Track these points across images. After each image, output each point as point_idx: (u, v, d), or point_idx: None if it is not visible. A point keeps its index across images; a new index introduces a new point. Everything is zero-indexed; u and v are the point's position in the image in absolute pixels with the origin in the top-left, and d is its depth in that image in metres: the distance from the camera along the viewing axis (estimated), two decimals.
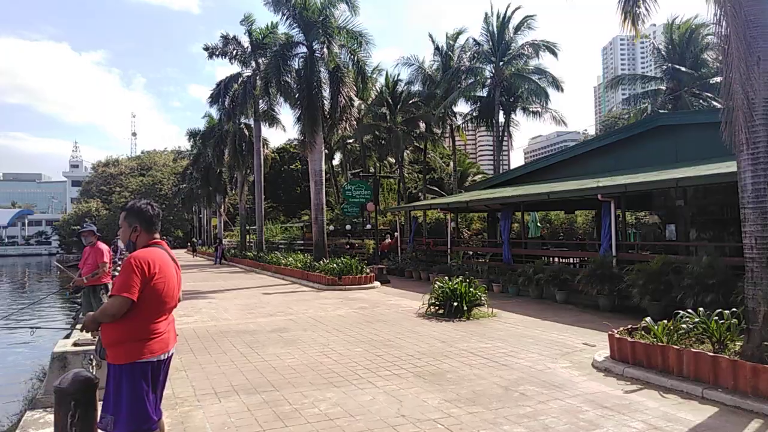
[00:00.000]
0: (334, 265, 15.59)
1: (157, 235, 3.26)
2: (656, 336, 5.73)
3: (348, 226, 29.03)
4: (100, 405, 3.00)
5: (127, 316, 2.92)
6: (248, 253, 27.83)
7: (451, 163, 31.89)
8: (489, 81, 26.85)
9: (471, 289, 9.76)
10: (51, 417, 4.63)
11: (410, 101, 28.49)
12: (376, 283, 15.34)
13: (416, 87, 29.59)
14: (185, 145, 56.85)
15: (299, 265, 18.23)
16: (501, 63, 26.11)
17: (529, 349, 6.96)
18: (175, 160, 68.67)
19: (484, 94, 27.70)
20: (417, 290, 13.60)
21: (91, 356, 4.71)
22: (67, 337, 6.88)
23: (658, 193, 14.74)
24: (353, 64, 19.99)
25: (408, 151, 31.24)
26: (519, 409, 4.65)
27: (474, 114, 29.06)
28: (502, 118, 27.57)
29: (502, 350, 6.94)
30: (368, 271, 15.63)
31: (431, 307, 9.90)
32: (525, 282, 12.53)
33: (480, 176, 41.01)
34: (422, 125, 29.41)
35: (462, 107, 29.91)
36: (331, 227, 28.09)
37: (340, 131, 28.70)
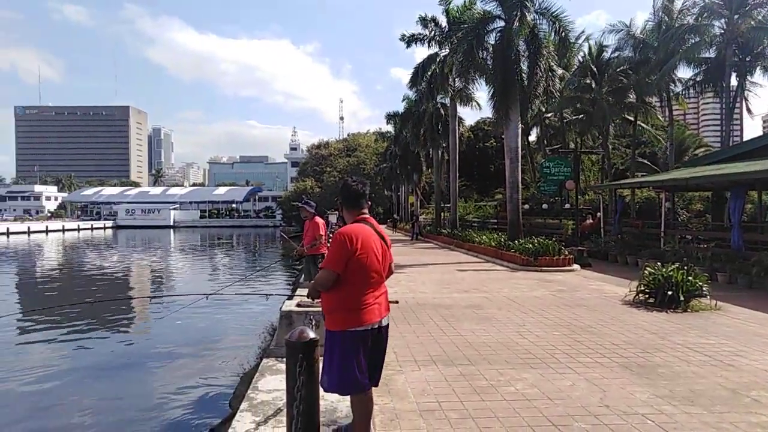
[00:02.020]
0: (530, 245, 15.15)
1: (365, 212, 3.48)
2: None
3: (544, 205, 27.91)
4: (321, 360, 3.39)
5: (336, 288, 3.21)
6: (442, 230, 28.55)
7: (667, 136, 28.37)
8: (718, 39, 23.07)
9: (689, 278, 8.67)
10: (281, 365, 5.40)
11: (618, 69, 25.96)
12: (576, 266, 14.53)
13: (625, 53, 26.82)
14: (385, 126, 60.21)
15: (493, 243, 18.13)
16: (736, 16, 22.21)
17: (764, 350, 5.97)
18: (376, 141, 73.22)
19: (712, 55, 23.90)
20: (622, 276, 12.59)
21: (311, 317, 5.35)
22: (290, 298, 7.87)
23: None
24: (554, 32, 18.89)
25: (614, 124, 28.62)
26: (750, 417, 4.04)
27: (697, 79, 25.28)
28: (734, 82, 23.55)
29: (728, 348, 6.06)
30: (566, 253, 14.87)
31: (640, 294, 9.06)
32: (761, 273, 10.71)
33: (702, 150, 35.88)
34: (632, 95, 26.65)
35: (682, 72, 26.28)
36: (527, 206, 27.30)
37: (537, 106, 27.57)
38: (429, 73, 28.44)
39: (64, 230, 72.38)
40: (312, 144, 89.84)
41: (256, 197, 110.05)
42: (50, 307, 14.28)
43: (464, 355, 5.82)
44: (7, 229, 65.03)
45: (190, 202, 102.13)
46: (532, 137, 38.48)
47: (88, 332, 12.58)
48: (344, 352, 3.18)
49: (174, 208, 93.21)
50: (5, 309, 16.50)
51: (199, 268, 30.31)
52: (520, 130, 19.88)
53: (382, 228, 3.52)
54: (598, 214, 21.54)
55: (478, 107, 31.21)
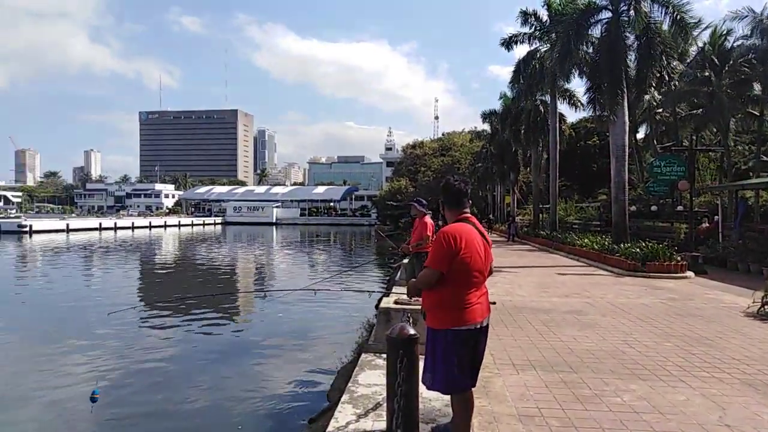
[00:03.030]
0: (637, 249, 14.27)
1: (467, 211, 3.47)
2: None
3: (654, 207, 26.13)
4: (421, 358, 3.44)
5: (439, 286, 3.22)
6: (541, 232, 27.63)
7: None
8: None
9: None
10: (379, 361, 5.53)
11: (741, 59, 23.63)
12: (689, 273, 13.46)
13: (751, 41, 24.31)
14: (481, 125, 59.29)
15: (596, 247, 17.28)
16: None
17: None
18: (471, 141, 72.34)
19: None
20: (744, 285, 11.50)
21: (408, 314, 5.42)
22: (386, 295, 8.01)
23: None
24: (671, 19, 17.58)
25: (735, 119, 26.09)
26: None
27: None
28: None
29: None
30: (679, 258, 13.83)
31: (765, 306, 8.23)
32: None
33: None
34: (757, 87, 24.14)
35: None
36: (633, 208, 25.68)
37: (647, 101, 25.84)
38: (530, 69, 27.65)
39: (179, 225, 78.70)
40: (407, 144, 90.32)
41: (353, 196, 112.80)
42: (176, 297, 15.71)
43: (565, 362, 5.63)
44: (132, 223, 71.97)
45: (291, 201, 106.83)
46: (640, 134, 36.12)
47: (200, 321, 13.60)
48: (447, 351, 3.20)
49: (276, 206, 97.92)
50: (133, 297, 18.28)
51: (299, 263, 31.69)
52: (627, 127, 18.76)
53: (483, 228, 3.49)
54: (716, 217, 19.80)
55: (580, 105, 29.87)
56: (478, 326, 3.26)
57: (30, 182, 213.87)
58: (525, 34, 27.33)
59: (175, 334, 12.42)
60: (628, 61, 17.93)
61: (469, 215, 3.42)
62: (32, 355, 10.71)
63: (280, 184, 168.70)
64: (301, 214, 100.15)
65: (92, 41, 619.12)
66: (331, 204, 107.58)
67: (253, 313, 15.98)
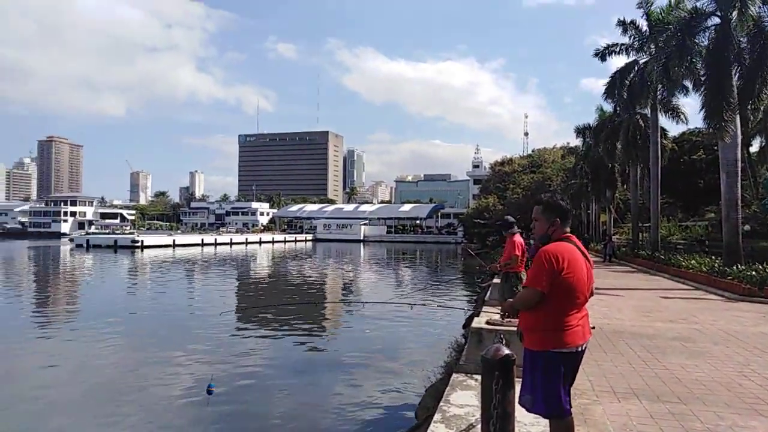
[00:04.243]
0: (753, 272, 13.05)
1: (569, 230, 3.38)
2: None
3: None
4: (516, 380, 3.36)
5: (539, 307, 3.13)
6: (640, 252, 26.04)
7: None
8: None
9: None
10: (471, 381, 5.46)
11: None
12: None
13: None
14: (574, 141, 57.16)
15: (704, 269, 16.01)
16: None
17: None
18: (563, 157, 69.82)
19: None
20: None
21: (501, 335, 5.33)
22: (476, 315, 7.89)
23: None
24: None
25: None
26: None
27: None
28: None
29: None
30: None
31: None
32: None
33: None
34: None
35: None
36: (747, 227, 23.51)
37: (761, 112, 23.75)
38: (628, 81, 26.40)
39: (273, 242, 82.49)
40: (495, 161, 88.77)
41: (439, 214, 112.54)
42: (278, 304, 16.57)
43: (672, 392, 5.25)
44: (230, 239, 76.51)
45: (378, 218, 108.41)
46: (754, 147, 33.14)
47: (294, 331, 14.14)
48: (547, 373, 3.11)
49: (364, 224, 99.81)
50: (236, 305, 19.34)
51: (386, 278, 32.03)
52: (739, 140, 17.32)
53: (584, 248, 3.38)
54: None
55: (684, 118, 27.97)
56: (579, 349, 3.15)
57: (142, 201, 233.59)
58: (622, 44, 26.19)
59: (271, 342, 13.02)
60: (742, 69, 16.61)
61: (570, 234, 3.33)
62: (152, 349, 11.92)
63: (367, 202, 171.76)
64: (388, 232, 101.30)
65: (198, 71, 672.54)
66: (417, 222, 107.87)
67: (340, 325, 16.36)
